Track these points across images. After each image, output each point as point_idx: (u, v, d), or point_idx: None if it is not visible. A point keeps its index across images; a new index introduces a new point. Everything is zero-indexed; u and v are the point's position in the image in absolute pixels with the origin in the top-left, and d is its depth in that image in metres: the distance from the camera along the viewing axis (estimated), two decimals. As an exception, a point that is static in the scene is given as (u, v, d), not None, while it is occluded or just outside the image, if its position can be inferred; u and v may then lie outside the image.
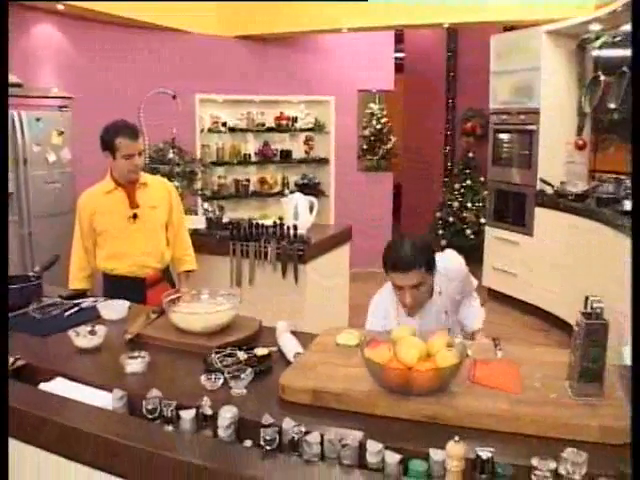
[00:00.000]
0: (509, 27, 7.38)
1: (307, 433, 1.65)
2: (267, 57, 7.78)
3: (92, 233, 3.63)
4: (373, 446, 1.60)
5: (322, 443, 1.63)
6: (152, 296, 3.46)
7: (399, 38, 9.05)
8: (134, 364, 2.16)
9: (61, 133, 5.66)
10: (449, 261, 2.98)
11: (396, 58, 8.72)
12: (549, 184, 6.25)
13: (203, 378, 2.02)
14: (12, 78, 3.82)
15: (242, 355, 2.17)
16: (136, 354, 2.20)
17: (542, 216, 6.30)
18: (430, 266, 2.67)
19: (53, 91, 5.69)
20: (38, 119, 5.45)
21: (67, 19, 6.22)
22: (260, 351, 2.20)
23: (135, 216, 3.61)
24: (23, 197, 5.40)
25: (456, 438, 1.55)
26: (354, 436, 1.63)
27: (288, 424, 1.68)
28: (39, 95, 4.94)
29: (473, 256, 8.13)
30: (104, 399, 1.96)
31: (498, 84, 6.91)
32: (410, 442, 1.68)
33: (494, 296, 7.08)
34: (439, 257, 2.82)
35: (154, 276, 3.68)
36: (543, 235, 6.29)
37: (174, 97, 5.58)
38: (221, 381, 2.01)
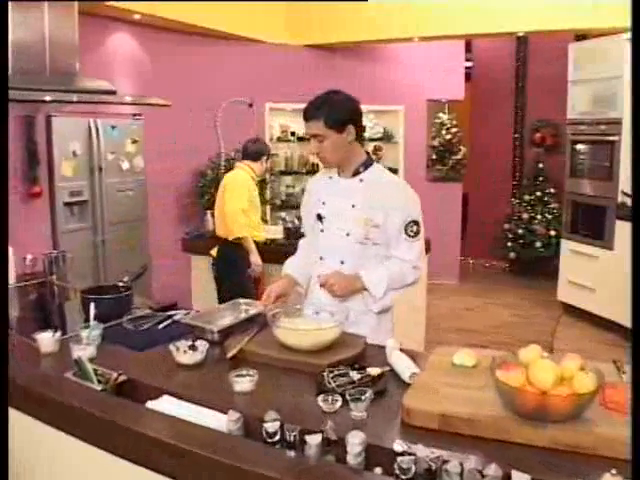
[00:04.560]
0: (581, 35, 7.19)
1: (445, 462, 1.54)
2: (336, 66, 7.71)
3: None
4: (519, 477, 1.48)
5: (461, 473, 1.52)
6: None
7: (467, 47, 8.91)
8: (243, 383, 2.07)
9: (135, 141, 5.66)
10: (401, 187, 2.98)
11: (464, 67, 8.58)
12: (631, 197, 6.03)
13: (320, 399, 1.90)
14: (104, 85, 3.76)
15: (355, 375, 2.05)
16: (244, 372, 2.10)
17: (623, 229, 6.07)
18: (331, 123, 2.68)
19: (126, 99, 5.70)
20: (113, 127, 5.46)
21: (142, 28, 6.23)
22: (373, 371, 2.08)
23: None
24: (97, 204, 5.40)
25: (613, 471, 1.43)
26: (495, 466, 1.52)
27: (422, 452, 1.57)
28: (120, 102, 4.91)
29: (543, 269, 7.99)
30: (217, 420, 1.87)
31: (576, 94, 6.71)
32: (551, 473, 1.56)
33: (570, 311, 6.89)
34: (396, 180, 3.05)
35: None
36: (624, 249, 6.05)
37: (250, 105, 5.55)
38: (339, 403, 1.90)
